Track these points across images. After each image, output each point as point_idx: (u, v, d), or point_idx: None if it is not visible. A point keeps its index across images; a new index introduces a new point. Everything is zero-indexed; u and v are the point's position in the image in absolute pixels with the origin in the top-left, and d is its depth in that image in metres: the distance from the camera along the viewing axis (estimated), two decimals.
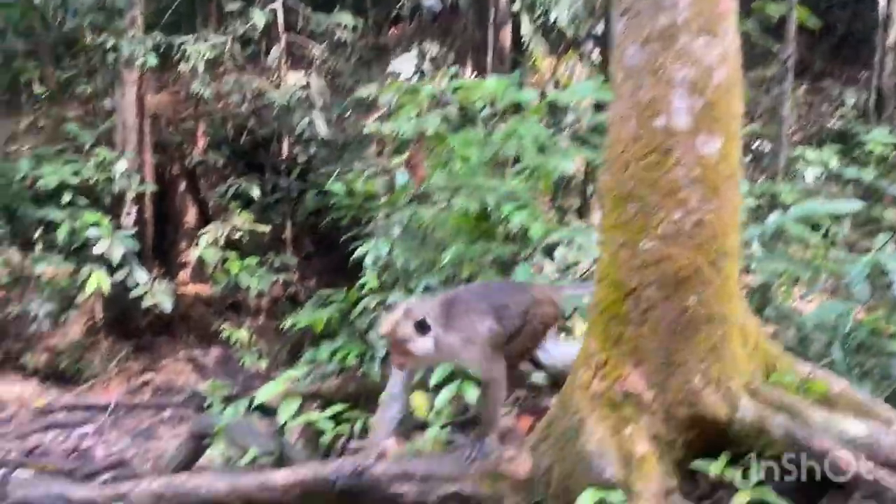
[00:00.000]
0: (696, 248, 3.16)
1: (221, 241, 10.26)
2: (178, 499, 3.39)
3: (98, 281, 8.76)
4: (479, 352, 3.47)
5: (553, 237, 4.51)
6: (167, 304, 8.83)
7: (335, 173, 11.97)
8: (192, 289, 11.20)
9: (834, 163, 8.32)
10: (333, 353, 4.54)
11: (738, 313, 3.30)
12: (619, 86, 3.29)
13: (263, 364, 10.02)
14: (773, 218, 4.90)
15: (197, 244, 10.31)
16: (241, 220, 10.56)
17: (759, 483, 3.12)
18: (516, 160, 4.86)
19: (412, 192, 4.73)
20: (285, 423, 4.32)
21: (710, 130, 3.17)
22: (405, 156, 4.99)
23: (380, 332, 3.27)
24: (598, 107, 6.08)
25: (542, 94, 4.96)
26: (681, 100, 3.16)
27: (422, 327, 3.25)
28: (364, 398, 4.36)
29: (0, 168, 9.46)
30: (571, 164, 4.70)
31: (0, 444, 8.08)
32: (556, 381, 3.96)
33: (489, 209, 4.53)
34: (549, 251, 6.06)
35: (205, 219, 11.45)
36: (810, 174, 8.16)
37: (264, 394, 4.17)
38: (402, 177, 4.71)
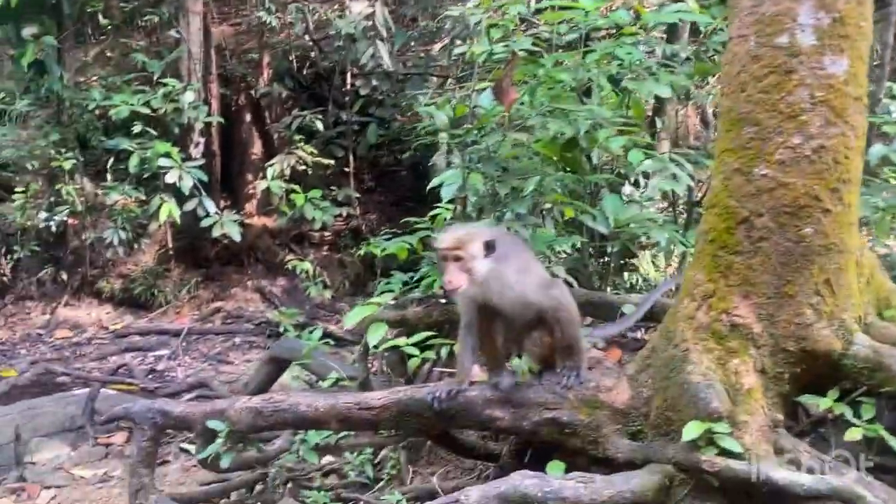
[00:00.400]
0: (816, 175, 3.01)
1: (287, 174, 10.30)
2: (276, 416, 3.46)
3: (169, 210, 8.89)
4: (536, 280, 3.32)
5: (647, 165, 4.36)
6: (235, 235, 8.93)
7: (398, 105, 11.95)
8: (258, 220, 11.33)
9: None
10: (418, 281, 4.51)
11: (855, 243, 3.15)
12: (738, 1, 3.10)
13: (328, 294, 10.15)
14: (876, 149, 4.66)
15: (263, 176, 10.37)
16: (305, 153, 10.56)
17: (871, 420, 3.03)
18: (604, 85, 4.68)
19: (499, 118, 4.58)
20: (370, 348, 4.34)
21: (837, 49, 2.97)
22: (488, 81, 4.81)
23: (440, 245, 3.05)
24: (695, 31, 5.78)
25: (637, 15, 4.72)
26: (807, 15, 2.96)
27: (489, 248, 3.08)
28: (449, 326, 4.34)
29: (72, 98, 9.58)
30: (668, 89, 4.51)
31: (82, 364, 8.42)
32: None
33: (579, 136, 4.39)
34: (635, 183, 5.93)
35: (269, 151, 11.49)
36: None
37: (351, 319, 4.18)
38: (486, 100, 4.55)
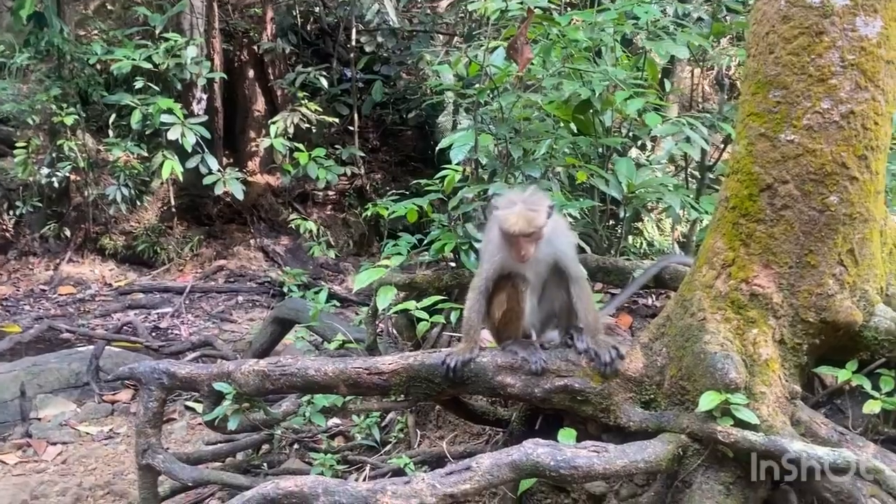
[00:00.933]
0: (844, 141, 2.91)
1: (290, 132, 10.16)
2: (284, 379, 3.41)
3: (171, 167, 8.77)
4: (574, 244, 3.40)
5: (661, 129, 4.25)
6: (238, 193, 8.83)
7: (404, 63, 11.73)
8: (261, 179, 11.24)
9: None
10: (427, 244, 4.44)
11: (881, 213, 3.07)
12: None
13: (332, 254, 10.09)
14: None
15: (266, 134, 10.23)
16: (309, 111, 10.41)
17: (889, 392, 2.98)
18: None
19: (512, 78, 4.45)
20: (378, 311, 4.29)
21: (871, 9, 2.85)
22: (500, 39, 4.67)
23: (515, 230, 3.04)
24: None
25: None
26: None
27: (550, 213, 3.13)
28: (459, 290, 4.28)
29: (72, 52, 9.40)
30: (685, 50, 4.37)
31: (85, 321, 8.40)
32: None
33: (593, 98, 4.27)
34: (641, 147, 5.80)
35: (272, 108, 11.34)
36: None
37: (361, 281, 4.12)
38: (498, 59, 4.42)
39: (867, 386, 2.99)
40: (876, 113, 2.93)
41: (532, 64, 4.56)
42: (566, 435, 3.18)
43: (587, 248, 4.52)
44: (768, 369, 2.99)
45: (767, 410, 2.90)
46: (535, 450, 2.82)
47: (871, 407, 2.94)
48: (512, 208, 3.09)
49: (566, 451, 2.84)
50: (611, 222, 5.10)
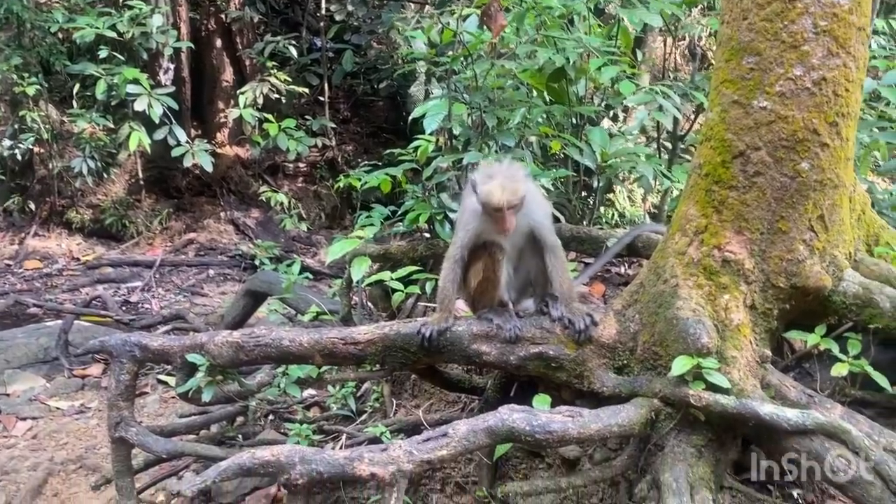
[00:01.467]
0: (815, 107, 2.93)
1: (259, 102, 10.00)
2: (258, 350, 3.39)
3: (138, 139, 8.59)
4: (549, 213, 3.44)
5: (635, 98, 4.25)
6: (207, 165, 8.67)
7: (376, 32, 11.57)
8: (230, 150, 11.08)
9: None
10: (402, 215, 4.41)
11: (850, 179, 3.11)
12: None
13: (304, 227, 10.03)
14: (866, 84, 4.57)
15: (234, 104, 10.06)
16: (278, 81, 10.25)
17: (856, 356, 3.05)
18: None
19: (486, 46, 4.40)
20: (353, 282, 4.27)
21: None
22: (472, 6, 4.61)
23: (500, 202, 3.06)
24: None
25: None
26: None
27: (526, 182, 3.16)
28: (433, 260, 4.27)
29: (33, 20, 9.12)
30: (658, 18, 4.36)
31: (53, 295, 8.26)
32: None
33: (566, 66, 4.25)
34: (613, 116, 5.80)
35: (241, 78, 11.15)
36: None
37: (334, 253, 4.08)
38: (472, 26, 4.36)
39: (835, 349, 3.06)
40: (847, 80, 2.95)
41: (505, 31, 4.52)
42: (541, 401, 3.21)
43: (562, 218, 4.53)
44: (739, 334, 3.04)
45: (738, 374, 2.95)
46: (511, 415, 2.84)
47: (839, 370, 3.01)
48: (493, 181, 3.09)
49: (541, 416, 2.87)
50: (584, 193, 5.10)
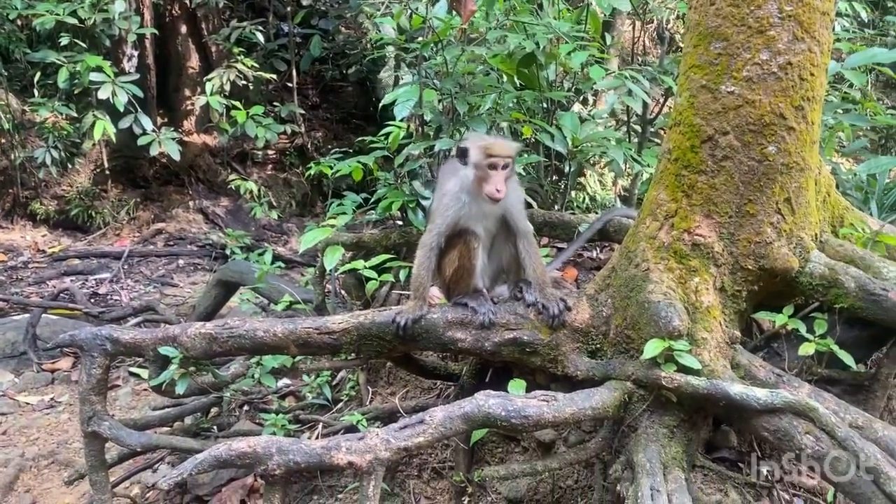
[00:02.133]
0: (782, 92, 2.98)
1: (226, 89, 9.85)
2: (232, 341, 3.36)
3: (103, 128, 8.41)
4: (522, 199, 3.50)
5: (605, 83, 4.27)
6: (174, 153, 8.52)
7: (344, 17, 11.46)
8: (197, 138, 10.91)
9: (864, 14, 7.85)
10: (375, 203, 4.40)
11: (815, 162, 3.16)
12: None
13: (274, 215, 9.92)
14: (830, 66, 4.64)
15: (201, 92, 9.90)
16: (245, 67, 10.10)
17: (822, 335, 3.11)
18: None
19: (456, 31, 4.38)
20: (326, 271, 4.25)
21: None
22: None
23: (504, 152, 3.17)
24: None
25: None
26: None
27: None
28: (407, 248, 4.27)
29: None
30: (627, 3, 4.38)
31: (19, 289, 8.11)
32: None
33: (536, 51, 4.25)
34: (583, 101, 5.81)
35: (207, 65, 10.96)
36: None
37: (307, 241, 4.06)
38: (441, 11, 4.34)
39: (802, 329, 3.12)
40: (812, 64, 3.00)
41: (475, 17, 4.51)
42: (516, 386, 3.25)
43: (534, 204, 4.55)
44: (709, 316, 3.09)
45: (709, 355, 3.01)
46: (487, 401, 2.87)
47: (807, 349, 3.07)
48: (489, 138, 3.17)
49: (516, 401, 2.90)
50: (555, 177, 5.12)
